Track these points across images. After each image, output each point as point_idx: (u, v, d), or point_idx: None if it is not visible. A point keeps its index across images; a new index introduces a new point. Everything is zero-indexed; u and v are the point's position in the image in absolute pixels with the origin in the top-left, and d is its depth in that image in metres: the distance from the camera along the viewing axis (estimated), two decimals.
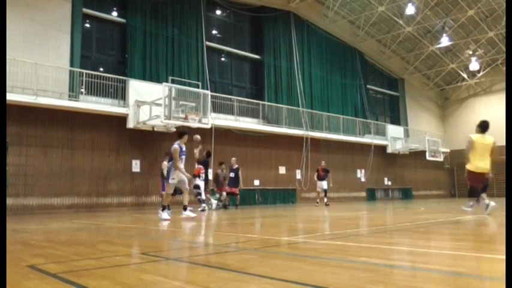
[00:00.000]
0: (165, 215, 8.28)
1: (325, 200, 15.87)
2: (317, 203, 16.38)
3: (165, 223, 7.63)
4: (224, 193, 14.43)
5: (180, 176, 8.39)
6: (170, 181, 8.39)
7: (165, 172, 11.82)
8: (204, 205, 12.47)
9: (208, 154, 13.24)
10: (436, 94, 32.62)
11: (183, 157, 8.47)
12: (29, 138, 13.42)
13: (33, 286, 2.40)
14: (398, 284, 2.33)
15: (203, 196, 12.60)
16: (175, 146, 8.34)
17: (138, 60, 16.41)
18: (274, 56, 21.26)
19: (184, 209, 8.57)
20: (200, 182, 12.57)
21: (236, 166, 14.72)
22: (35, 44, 14.18)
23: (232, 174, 14.63)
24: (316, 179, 16.23)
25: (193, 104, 14.67)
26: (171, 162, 8.48)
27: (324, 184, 15.94)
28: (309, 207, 14.83)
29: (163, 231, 6.41)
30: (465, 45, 27.55)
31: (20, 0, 13.94)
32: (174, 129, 15.57)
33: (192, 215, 8.36)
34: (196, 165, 12.65)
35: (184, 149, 8.51)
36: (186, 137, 8.58)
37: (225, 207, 14.59)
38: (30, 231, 6.53)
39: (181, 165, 8.41)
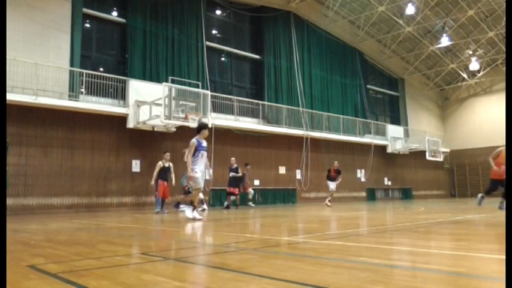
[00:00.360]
0: (195, 213, 7.95)
1: (328, 199, 15.56)
2: (327, 204, 15.50)
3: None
4: (251, 190, 15.89)
5: (202, 169, 8.03)
6: (195, 175, 7.94)
7: (155, 175, 11.69)
8: (204, 206, 12.46)
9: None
10: (436, 94, 32.61)
11: (204, 152, 8.04)
12: (29, 138, 13.42)
13: (33, 286, 2.40)
14: (398, 284, 2.33)
15: (201, 196, 12.59)
16: (193, 140, 7.96)
17: (138, 60, 16.41)
18: (274, 56, 21.26)
19: (193, 209, 8.11)
20: None
21: (235, 166, 14.75)
22: (35, 44, 14.18)
23: (231, 174, 14.67)
24: (327, 179, 15.73)
25: (193, 104, 14.67)
26: (194, 158, 7.99)
27: (333, 185, 15.51)
28: (309, 207, 14.82)
29: (163, 231, 6.41)
30: (465, 45, 27.55)
31: (20, 0, 13.94)
32: (174, 129, 15.58)
33: (198, 216, 7.94)
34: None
35: (204, 144, 8.08)
36: (205, 132, 8.12)
37: (226, 207, 14.59)
38: (30, 231, 6.53)
39: (204, 160, 8.03)
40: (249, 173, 16.17)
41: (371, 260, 3.20)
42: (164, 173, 11.91)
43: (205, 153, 8.13)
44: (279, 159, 20.21)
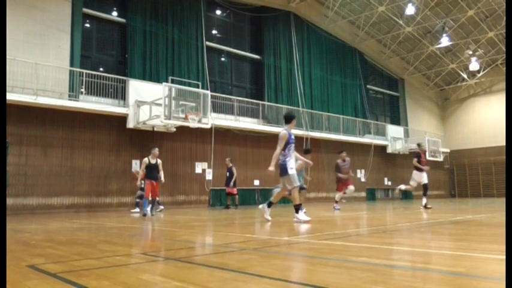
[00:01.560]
0: (302, 215, 7.22)
1: (425, 200, 12.04)
2: (426, 206, 11.93)
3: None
4: (352, 187, 12.29)
5: (296, 166, 7.38)
6: (290, 172, 7.17)
7: (141, 173, 10.41)
8: (161, 206, 12.59)
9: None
10: (436, 94, 32.62)
11: (293, 145, 7.38)
12: (29, 138, 13.42)
13: (33, 286, 2.40)
14: (398, 284, 2.33)
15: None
16: (284, 131, 7.32)
17: (138, 60, 16.42)
18: (274, 56, 21.26)
19: (296, 211, 7.28)
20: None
21: (230, 165, 14.76)
22: (35, 44, 14.18)
23: (227, 174, 14.76)
24: (416, 169, 11.82)
25: (193, 104, 14.68)
26: (285, 151, 7.31)
27: (424, 177, 11.73)
28: (308, 208, 14.79)
29: (162, 231, 6.41)
30: (465, 45, 27.55)
31: (19, 0, 13.94)
32: (174, 129, 15.59)
33: (306, 218, 7.19)
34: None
35: (293, 136, 7.47)
36: (294, 122, 7.66)
37: (226, 207, 14.60)
38: (31, 231, 6.53)
39: (293, 154, 7.35)
40: (350, 163, 12.51)
41: (371, 260, 3.20)
42: (151, 171, 10.52)
43: (293, 146, 7.45)
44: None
